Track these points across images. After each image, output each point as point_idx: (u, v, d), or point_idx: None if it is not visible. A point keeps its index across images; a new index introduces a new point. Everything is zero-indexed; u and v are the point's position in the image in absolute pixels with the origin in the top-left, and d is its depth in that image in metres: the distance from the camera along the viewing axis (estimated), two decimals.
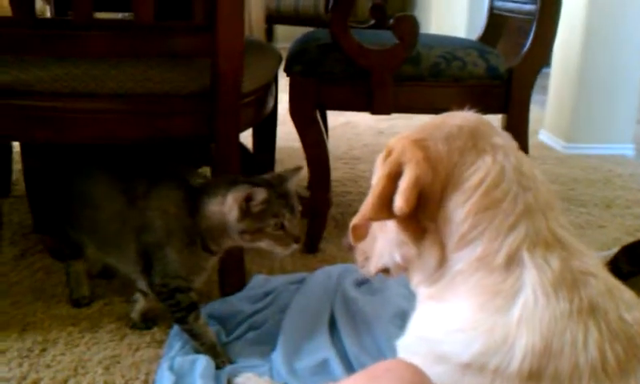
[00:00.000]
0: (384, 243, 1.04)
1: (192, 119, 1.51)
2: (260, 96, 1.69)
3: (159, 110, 1.48)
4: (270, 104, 1.86)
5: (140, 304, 1.51)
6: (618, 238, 2.11)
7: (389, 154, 0.96)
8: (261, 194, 1.28)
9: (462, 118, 0.99)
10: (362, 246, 1.11)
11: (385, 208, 0.92)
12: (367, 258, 1.11)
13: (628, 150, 3.19)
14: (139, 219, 1.40)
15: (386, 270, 1.08)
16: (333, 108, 1.85)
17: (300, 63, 1.79)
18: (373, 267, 1.10)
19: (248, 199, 1.29)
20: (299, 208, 1.36)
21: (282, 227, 1.32)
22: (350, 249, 1.15)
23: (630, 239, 1.96)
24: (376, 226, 1.06)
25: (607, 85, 3.12)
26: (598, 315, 0.85)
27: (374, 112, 1.78)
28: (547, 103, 3.44)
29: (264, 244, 1.34)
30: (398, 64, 1.72)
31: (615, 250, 1.71)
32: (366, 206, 0.94)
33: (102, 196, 1.46)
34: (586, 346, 0.83)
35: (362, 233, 1.05)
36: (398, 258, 1.01)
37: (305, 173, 2.48)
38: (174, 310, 1.40)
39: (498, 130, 0.99)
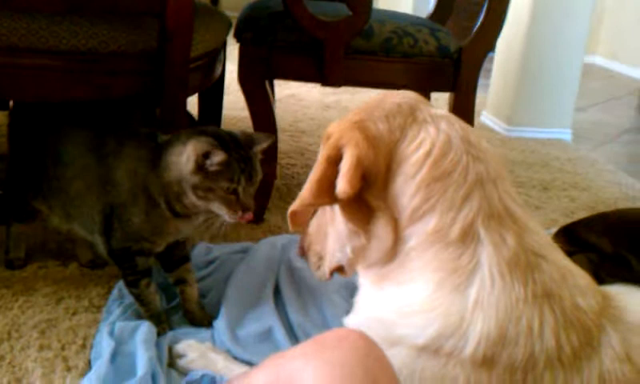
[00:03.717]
0: (335, 239, 1.03)
1: (137, 80, 1.47)
2: (208, 61, 1.65)
3: (103, 68, 1.43)
4: (218, 70, 1.83)
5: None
6: (555, 219, 2.18)
7: (328, 138, 0.95)
8: (219, 156, 1.22)
9: (400, 96, 0.99)
10: (314, 247, 1.09)
11: (325, 193, 0.91)
12: (321, 258, 1.09)
13: (566, 135, 3.28)
14: (107, 177, 1.34)
15: (340, 269, 1.06)
16: (283, 77, 1.83)
17: (251, 30, 1.75)
18: (327, 267, 1.07)
19: (206, 155, 1.23)
20: (259, 177, 1.31)
21: (235, 193, 1.26)
22: (303, 254, 1.13)
23: (566, 220, 2.03)
24: (327, 222, 1.04)
25: (549, 72, 3.19)
26: (552, 302, 0.85)
27: (325, 83, 1.77)
28: (490, 86, 3.50)
29: (213, 205, 1.28)
30: (350, 36, 1.71)
31: (554, 229, 1.76)
32: (305, 191, 0.93)
33: (72, 152, 1.39)
34: (542, 333, 0.83)
35: (300, 220, 1.03)
36: (349, 252, 1.00)
37: None
38: (129, 273, 1.36)
39: (436, 107, 0.99)
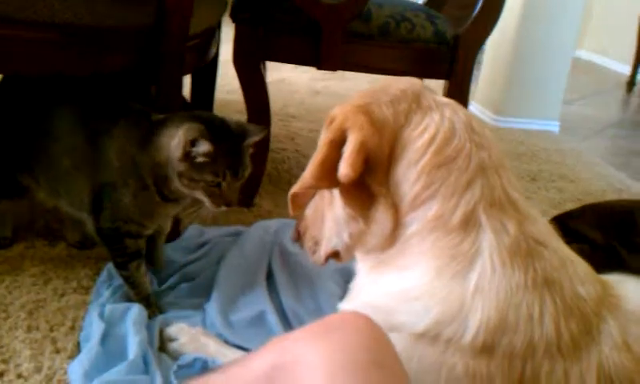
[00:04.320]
0: (332, 223, 1.02)
1: (132, 57, 1.42)
2: (203, 40, 1.62)
3: (98, 43, 1.38)
4: (213, 51, 1.80)
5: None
6: (544, 210, 2.18)
7: (331, 121, 0.93)
8: (204, 146, 1.20)
9: (405, 82, 0.98)
10: (311, 231, 1.08)
11: (327, 175, 0.89)
12: (317, 243, 1.08)
13: (554, 126, 3.29)
14: (97, 155, 1.31)
15: (336, 254, 1.05)
16: (279, 60, 1.80)
17: (247, 10, 1.72)
18: (323, 252, 1.07)
19: (193, 142, 1.21)
20: (247, 172, 1.29)
21: (219, 186, 1.25)
22: (299, 238, 1.12)
23: (555, 211, 2.03)
24: (324, 206, 1.03)
25: (539, 64, 3.20)
26: (552, 289, 0.85)
27: (321, 67, 1.74)
28: (480, 77, 3.50)
29: (197, 194, 1.27)
30: (348, 19, 1.68)
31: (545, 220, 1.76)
32: (306, 173, 0.91)
33: (62, 127, 1.35)
34: (542, 320, 0.83)
35: (301, 202, 1.02)
36: (346, 238, 0.99)
37: None
38: (118, 255, 1.34)
39: (440, 95, 0.98)
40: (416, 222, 0.89)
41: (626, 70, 5.07)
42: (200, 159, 1.22)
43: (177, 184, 1.26)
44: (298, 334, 0.76)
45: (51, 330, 1.27)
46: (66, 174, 1.36)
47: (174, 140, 1.23)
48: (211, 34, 1.69)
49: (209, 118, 1.29)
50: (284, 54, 1.79)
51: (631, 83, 4.82)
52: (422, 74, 1.94)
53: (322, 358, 0.68)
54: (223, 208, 1.27)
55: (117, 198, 1.30)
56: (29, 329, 1.26)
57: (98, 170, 1.31)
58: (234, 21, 1.74)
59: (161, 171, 1.27)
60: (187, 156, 1.22)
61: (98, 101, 1.39)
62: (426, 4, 2.21)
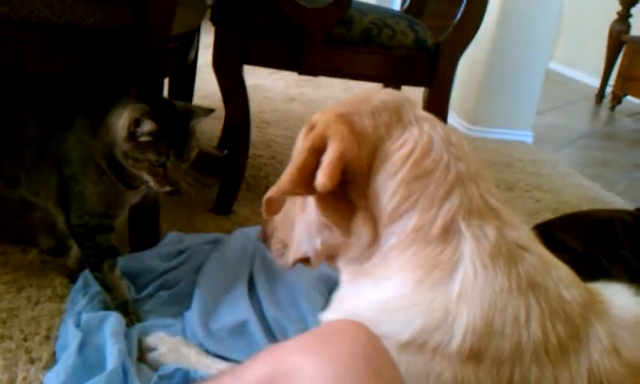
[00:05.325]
0: (303, 229, 1.01)
1: (112, 57, 1.39)
2: (183, 43, 1.59)
3: (77, 43, 1.35)
4: (192, 55, 1.77)
5: (75, 249, 1.41)
6: (521, 219, 2.18)
7: (312, 127, 0.93)
8: (148, 125, 1.19)
9: (386, 93, 0.98)
10: (279, 235, 1.07)
11: (304, 183, 0.88)
12: (285, 247, 1.07)
13: (527, 137, 3.33)
14: (58, 150, 1.28)
15: (305, 260, 1.05)
16: (259, 64, 1.78)
17: (228, 14, 1.70)
18: (291, 257, 1.06)
19: (137, 122, 1.20)
20: (193, 153, 1.28)
21: (163, 167, 1.24)
22: (266, 239, 1.11)
23: (531, 221, 2.04)
24: (295, 210, 1.02)
25: (514, 75, 3.23)
26: (537, 293, 0.84)
27: (302, 72, 1.73)
28: (455, 86, 3.51)
29: (143, 174, 1.25)
30: (330, 24, 1.68)
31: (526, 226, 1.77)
32: (284, 179, 0.91)
33: (23, 120, 1.31)
34: (528, 323, 0.82)
35: (276, 207, 1.00)
36: (318, 245, 0.98)
37: (215, 132, 2.41)
38: (90, 254, 1.31)
39: (420, 109, 0.98)
40: (396, 234, 0.89)
41: (595, 82, 5.15)
42: (144, 138, 1.21)
43: (124, 164, 1.24)
44: (292, 344, 0.73)
45: (25, 339, 1.23)
46: (30, 162, 1.33)
47: (121, 120, 1.22)
48: (191, 38, 1.66)
49: (154, 98, 1.29)
50: (265, 59, 1.77)
51: (600, 95, 4.90)
52: (403, 81, 1.95)
53: (321, 369, 0.66)
54: (167, 188, 1.26)
55: (80, 191, 1.28)
56: (2, 338, 1.22)
57: (63, 164, 1.29)
58: (214, 24, 1.72)
59: (110, 152, 1.25)
60: (131, 136, 1.21)
61: (60, 95, 1.36)
62: (405, 12, 2.21)
